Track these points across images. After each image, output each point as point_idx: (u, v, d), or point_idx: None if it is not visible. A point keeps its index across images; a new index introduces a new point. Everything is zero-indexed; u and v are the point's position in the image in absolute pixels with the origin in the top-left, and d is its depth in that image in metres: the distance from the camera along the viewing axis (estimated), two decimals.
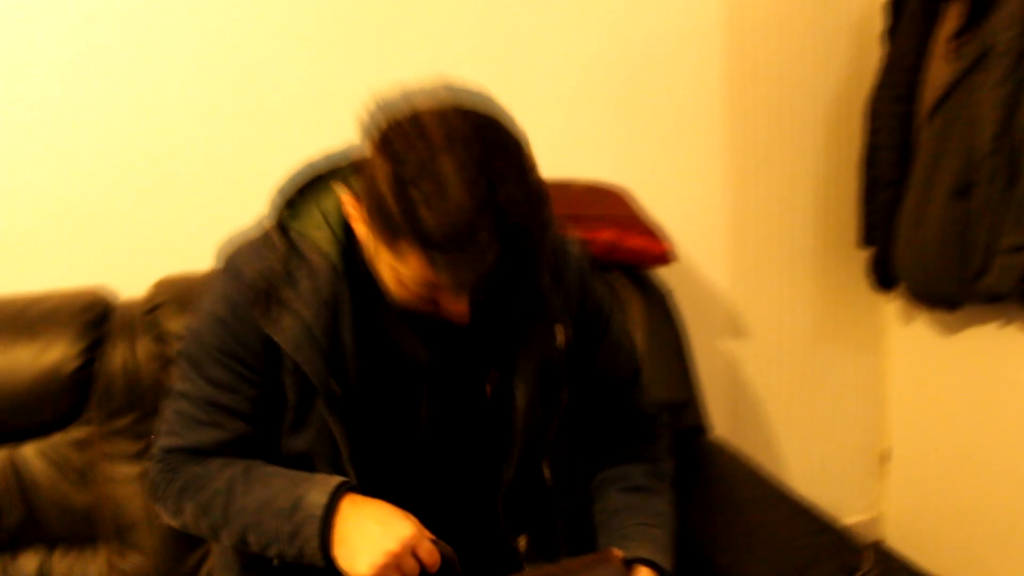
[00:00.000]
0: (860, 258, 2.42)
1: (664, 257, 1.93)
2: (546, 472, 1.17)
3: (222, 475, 1.06)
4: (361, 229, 1.00)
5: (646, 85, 2.21)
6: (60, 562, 1.64)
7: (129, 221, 1.90)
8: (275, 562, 1.11)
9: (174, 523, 1.13)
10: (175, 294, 1.72)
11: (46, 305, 1.71)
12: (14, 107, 1.80)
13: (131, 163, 1.88)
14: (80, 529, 1.65)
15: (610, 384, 1.23)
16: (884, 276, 2.27)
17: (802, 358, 2.51)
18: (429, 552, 0.99)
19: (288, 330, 1.02)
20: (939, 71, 2.04)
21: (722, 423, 2.36)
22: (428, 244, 0.87)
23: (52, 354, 1.64)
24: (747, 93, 2.30)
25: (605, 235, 1.86)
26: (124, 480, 1.66)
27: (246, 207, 1.93)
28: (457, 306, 0.96)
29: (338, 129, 1.96)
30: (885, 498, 2.65)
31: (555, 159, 2.13)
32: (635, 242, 1.88)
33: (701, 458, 1.82)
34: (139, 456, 1.66)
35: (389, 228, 0.90)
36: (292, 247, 1.05)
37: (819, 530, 1.53)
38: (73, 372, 1.64)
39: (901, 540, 2.55)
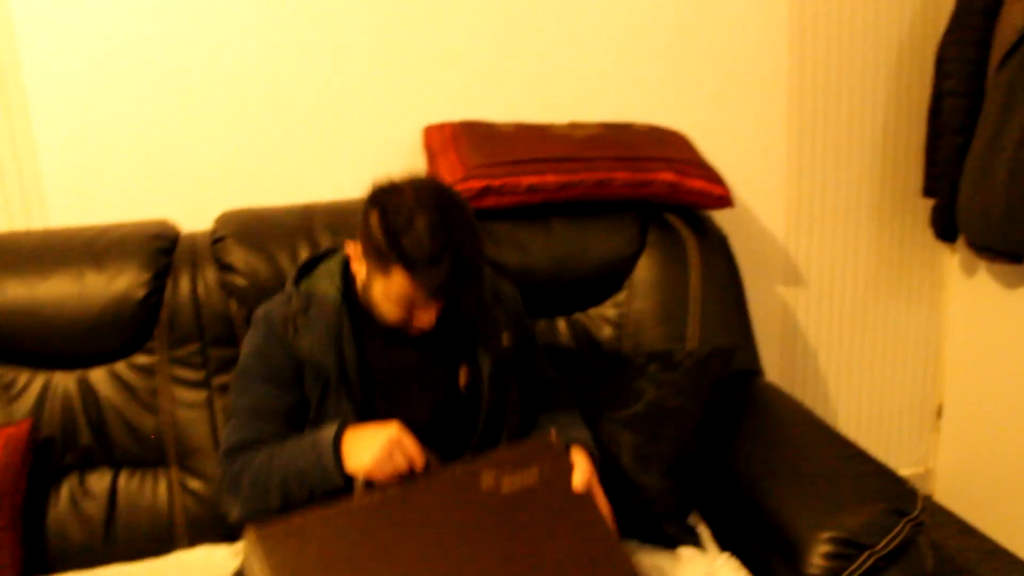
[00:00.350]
0: (922, 208, 2.38)
1: (723, 200, 1.92)
2: (503, 440, 1.53)
3: (264, 450, 1.41)
4: (358, 267, 1.42)
5: (708, 29, 2.18)
6: (128, 481, 1.71)
7: (193, 157, 1.94)
8: None
9: (235, 510, 1.40)
10: (238, 227, 1.77)
11: (115, 235, 1.76)
12: (88, 45, 1.84)
13: (196, 101, 1.92)
14: (147, 451, 1.71)
15: (539, 377, 1.65)
16: (946, 227, 2.24)
17: (858, 308, 2.49)
18: (413, 445, 1.33)
19: (306, 343, 1.43)
20: (1013, 16, 1.98)
21: (774, 370, 2.36)
22: (409, 264, 1.30)
23: (121, 282, 1.69)
24: (811, 37, 2.26)
25: (664, 176, 1.85)
26: (188, 406, 1.72)
27: (306, 144, 1.99)
28: (428, 315, 1.38)
29: (395, 67, 2.00)
30: (936, 453, 2.63)
31: (616, 103, 2.14)
32: (694, 184, 1.87)
33: (754, 400, 1.83)
34: (203, 383, 1.72)
35: (381, 258, 1.33)
36: (305, 295, 1.47)
37: (871, 473, 1.53)
38: (141, 300, 1.69)
39: (951, 496, 2.55)
